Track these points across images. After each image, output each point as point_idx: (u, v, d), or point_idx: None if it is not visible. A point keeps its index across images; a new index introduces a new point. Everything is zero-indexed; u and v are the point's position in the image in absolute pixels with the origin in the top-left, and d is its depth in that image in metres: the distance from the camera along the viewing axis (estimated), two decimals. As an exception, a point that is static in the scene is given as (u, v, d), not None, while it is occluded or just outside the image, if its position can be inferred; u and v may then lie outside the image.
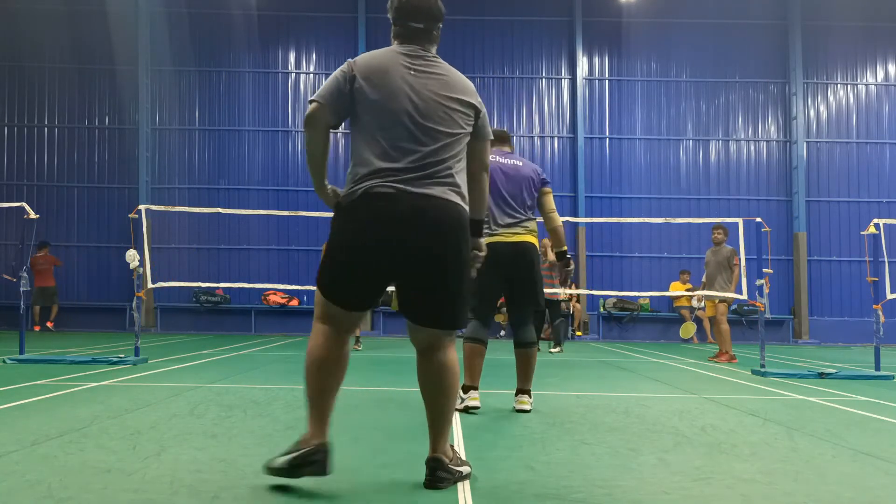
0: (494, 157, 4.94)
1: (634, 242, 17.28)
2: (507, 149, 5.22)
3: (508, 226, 4.81)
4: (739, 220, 9.58)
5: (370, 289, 2.73)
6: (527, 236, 4.85)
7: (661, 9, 17.63)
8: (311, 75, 17.75)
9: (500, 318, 14.62)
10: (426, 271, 2.68)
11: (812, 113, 17.73)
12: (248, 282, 15.49)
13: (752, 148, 17.73)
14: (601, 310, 17.26)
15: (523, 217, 4.87)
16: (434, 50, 2.89)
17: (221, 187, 17.33)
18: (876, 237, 8.05)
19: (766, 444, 3.74)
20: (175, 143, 17.57)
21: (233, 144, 17.44)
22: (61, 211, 17.37)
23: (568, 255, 5.00)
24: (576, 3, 17.64)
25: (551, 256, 9.18)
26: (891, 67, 17.78)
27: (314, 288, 2.82)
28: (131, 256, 7.81)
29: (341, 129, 2.90)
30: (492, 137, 2.97)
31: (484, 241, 4.78)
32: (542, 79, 17.85)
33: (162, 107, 17.70)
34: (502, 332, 15.65)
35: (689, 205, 17.28)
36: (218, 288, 16.90)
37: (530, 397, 4.83)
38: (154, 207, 10.32)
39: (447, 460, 2.75)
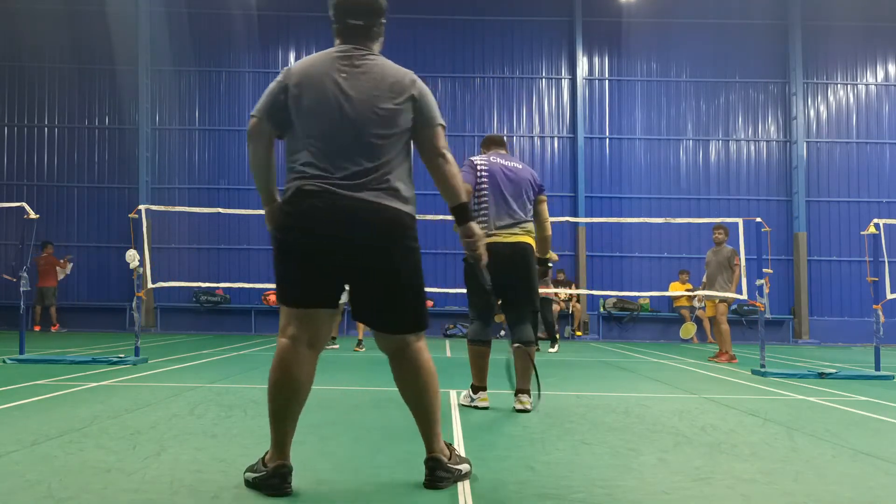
0: (496, 159, 5.05)
1: (634, 242, 17.28)
2: (503, 151, 5.30)
3: (506, 226, 4.87)
4: (739, 220, 9.58)
5: (320, 279, 2.63)
6: (524, 237, 4.91)
7: (661, 9, 17.63)
8: (311, 75, 17.71)
9: (499, 319, 14.64)
10: (370, 276, 2.65)
11: (812, 113, 17.73)
12: (248, 282, 15.47)
13: (752, 148, 17.73)
14: (601, 310, 17.26)
15: (521, 218, 4.94)
16: (377, 46, 2.83)
17: (221, 187, 17.33)
18: (876, 237, 8.04)
19: (766, 444, 3.74)
20: (175, 143, 17.57)
21: (233, 144, 17.44)
22: (61, 211, 17.37)
23: (549, 265, 5.17)
24: (576, 3, 17.64)
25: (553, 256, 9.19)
26: (891, 67, 17.78)
27: None
28: (131, 256, 7.81)
29: None
30: (441, 122, 2.80)
31: (482, 237, 4.86)
32: (542, 79, 17.85)
33: (162, 107, 17.70)
34: (502, 332, 15.65)
35: (689, 205, 17.28)
36: (218, 288, 16.90)
37: (530, 397, 4.84)
38: (154, 207, 10.32)
39: (445, 459, 2.74)
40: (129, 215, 8.49)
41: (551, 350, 11.36)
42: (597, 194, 17.45)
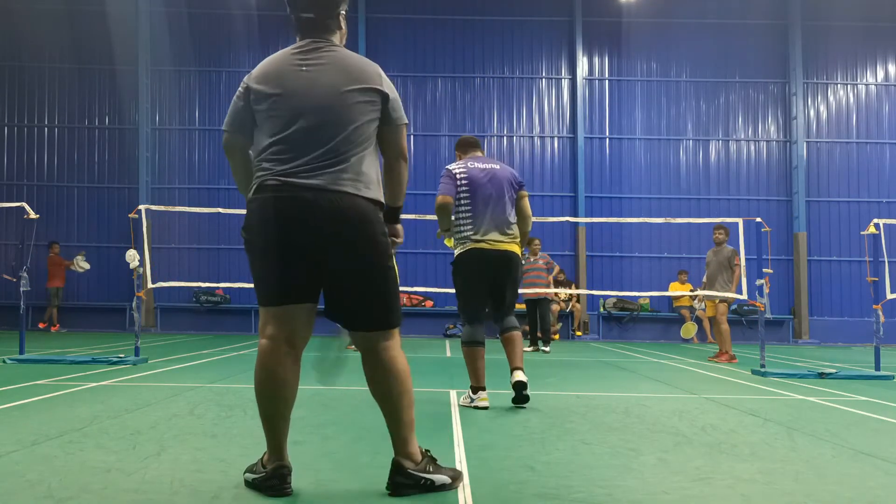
0: (474, 164, 5.14)
1: (634, 242, 17.27)
2: (478, 153, 5.38)
3: (493, 234, 4.99)
4: (739, 220, 9.58)
5: (288, 274, 2.59)
6: (511, 245, 5.07)
7: (661, 9, 17.63)
8: (311, 75, 17.73)
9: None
10: (336, 269, 2.59)
11: (812, 113, 17.73)
12: (248, 282, 15.34)
13: (752, 148, 17.72)
14: (601, 310, 17.26)
15: (506, 223, 5.06)
16: (337, 38, 2.78)
17: (221, 187, 17.32)
18: (876, 237, 8.05)
19: (766, 444, 3.74)
20: (175, 143, 17.58)
21: (233, 144, 17.42)
22: (61, 211, 17.38)
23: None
24: (576, 3, 17.64)
25: (553, 258, 9.24)
26: (891, 67, 17.78)
27: None
28: (131, 256, 7.82)
29: None
30: (405, 121, 2.77)
31: (468, 244, 4.97)
32: (542, 79, 17.84)
33: (162, 107, 17.70)
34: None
35: (689, 205, 17.28)
36: (218, 288, 16.90)
37: (524, 372, 5.03)
38: (154, 207, 10.32)
39: (410, 465, 2.65)
40: (129, 215, 8.49)
41: (545, 350, 11.38)
42: (597, 194, 17.45)
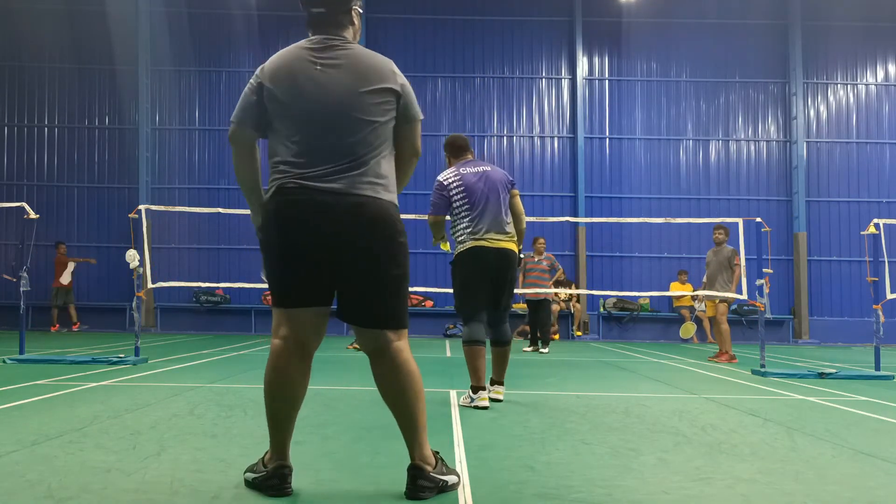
0: (466, 169, 5.20)
1: (634, 242, 17.28)
2: (469, 156, 5.43)
3: (492, 233, 5.06)
4: (739, 220, 9.58)
5: (304, 278, 2.58)
6: (509, 243, 5.14)
7: (661, 9, 17.63)
8: (311, 75, 17.73)
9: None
10: (353, 268, 2.58)
11: (812, 113, 17.73)
12: (248, 282, 15.46)
13: (752, 148, 17.73)
14: (601, 310, 17.26)
15: (504, 222, 5.13)
16: (350, 34, 2.74)
17: (221, 187, 17.32)
18: (876, 237, 8.05)
19: (766, 444, 3.74)
20: (175, 143, 17.57)
21: (233, 144, 17.41)
22: (61, 211, 17.38)
23: (521, 255, 5.40)
24: (576, 3, 17.64)
25: (559, 258, 9.29)
26: (891, 67, 17.78)
27: None
28: (131, 256, 7.81)
29: None
30: (420, 117, 2.77)
31: (468, 243, 5.02)
32: (542, 79, 17.85)
33: (162, 107, 17.70)
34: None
35: (689, 205, 17.28)
36: (218, 288, 16.90)
37: (503, 387, 5.29)
38: (154, 207, 10.32)
39: (429, 468, 2.63)
40: (129, 215, 8.49)
41: (543, 351, 11.38)
42: (597, 194, 17.45)
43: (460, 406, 4.99)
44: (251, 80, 2.69)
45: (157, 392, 5.41)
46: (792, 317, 17.15)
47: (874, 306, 7.86)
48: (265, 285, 16.26)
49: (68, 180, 17.51)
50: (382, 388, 2.68)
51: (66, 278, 15.88)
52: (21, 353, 7.95)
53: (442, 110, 17.62)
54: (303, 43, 2.71)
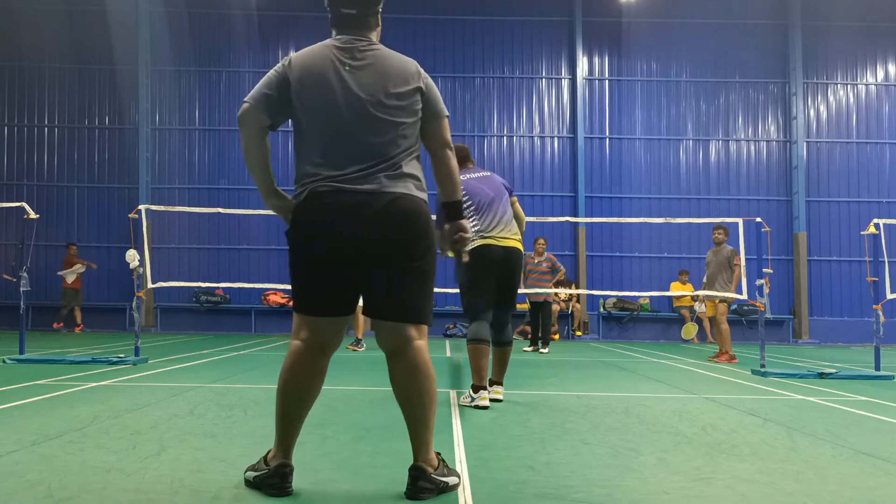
0: (468, 176, 5.27)
1: (634, 242, 17.28)
2: (470, 164, 5.53)
3: (498, 231, 5.12)
4: (739, 220, 9.58)
5: (333, 287, 2.59)
6: (515, 242, 5.20)
7: (661, 9, 17.63)
8: (311, 75, 17.73)
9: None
10: (381, 264, 2.57)
11: (812, 113, 17.73)
12: (248, 282, 15.49)
13: (752, 148, 17.73)
14: (601, 310, 17.26)
15: (509, 221, 5.21)
16: (374, 36, 2.76)
17: (221, 187, 17.33)
18: (876, 237, 8.05)
19: (766, 444, 3.74)
20: (175, 143, 17.58)
21: (233, 144, 17.43)
22: (61, 211, 17.38)
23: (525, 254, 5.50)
24: (576, 3, 17.65)
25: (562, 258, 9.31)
26: (891, 67, 17.78)
27: None
28: (131, 256, 7.82)
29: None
30: (447, 114, 2.78)
31: (477, 241, 5.04)
32: (542, 79, 17.85)
33: (162, 107, 17.70)
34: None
35: (689, 205, 17.29)
36: (218, 288, 16.90)
37: (502, 387, 5.30)
38: (154, 207, 10.32)
39: (431, 470, 2.62)
40: (129, 215, 8.49)
41: (543, 351, 11.39)
42: (597, 194, 17.45)
43: (460, 406, 4.99)
44: (276, 68, 2.68)
45: (157, 392, 5.41)
46: (792, 317, 17.16)
47: (874, 306, 7.86)
48: (265, 285, 16.21)
49: (68, 180, 17.51)
50: (398, 387, 2.67)
51: (70, 278, 15.87)
52: (21, 353, 7.95)
53: (442, 110, 17.60)
54: (329, 43, 2.71)
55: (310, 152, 2.63)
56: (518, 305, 5.96)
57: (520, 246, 5.24)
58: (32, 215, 8.18)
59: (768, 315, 8.41)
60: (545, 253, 11.91)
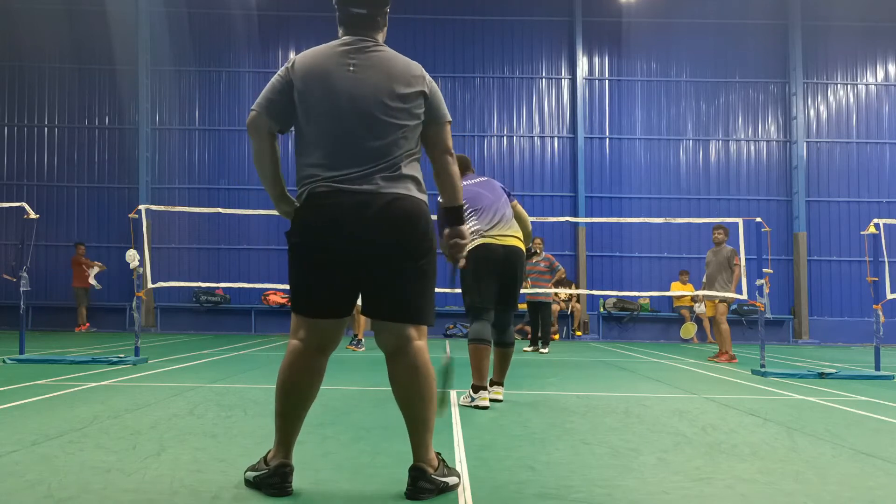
0: (466, 182, 5.26)
1: (634, 242, 17.28)
2: (471, 172, 5.56)
3: (499, 230, 5.12)
4: (739, 220, 9.58)
5: (333, 289, 2.59)
6: (516, 241, 5.19)
7: (661, 9, 17.63)
8: (311, 75, 17.75)
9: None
10: (382, 265, 2.57)
11: (812, 113, 17.73)
12: (248, 282, 15.49)
13: (752, 148, 17.73)
14: (601, 310, 17.26)
15: (509, 220, 5.21)
16: (381, 37, 2.75)
17: (221, 187, 17.32)
18: (876, 237, 8.05)
19: (766, 444, 3.74)
20: (175, 143, 17.58)
21: (233, 144, 17.43)
22: (61, 211, 17.38)
23: (532, 252, 5.55)
24: (576, 3, 17.65)
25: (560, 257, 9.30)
26: (891, 67, 17.78)
27: None
28: (131, 256, 7.82)
29: None
30: (449, 119, 2.77)
31: (476, 240, 5.04)
32: (542, 79, 17.85)
33: (162, 107, 17.70)
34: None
35: (689, 205, 17.29)
36: (218, 288, 16.90)
37: (503, 387, 5.28)
38: (154, 207, 10.32)
39: (431, 470, 2.62)
40: (129, 215, 8.49)
41: (543, 351, 11.39)
42: (597, 194, 17.45)
43: (460, 405, 4.99)
44: (280, 73, 2.68)
45: (157, 392, 5.41)
46: (792, 317, 17.16)
47: (874, 306, 7.86)
48: (265, 285, 16.22)
49: (68, 180, 17.51)
50: (397, 387, 2.67)
51: (92, 280, 15.91)
52: (21, 353, 7.95)
53: (442, 110, 17.60)
54: (335, 43, 2.71)
55: (310, 152, 2.63)
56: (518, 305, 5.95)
57: (521, 245, 5.21)
58: (32, 215, 8.18)
59: (768, 315, 8.41)
60: (543, 252, 11.90)
